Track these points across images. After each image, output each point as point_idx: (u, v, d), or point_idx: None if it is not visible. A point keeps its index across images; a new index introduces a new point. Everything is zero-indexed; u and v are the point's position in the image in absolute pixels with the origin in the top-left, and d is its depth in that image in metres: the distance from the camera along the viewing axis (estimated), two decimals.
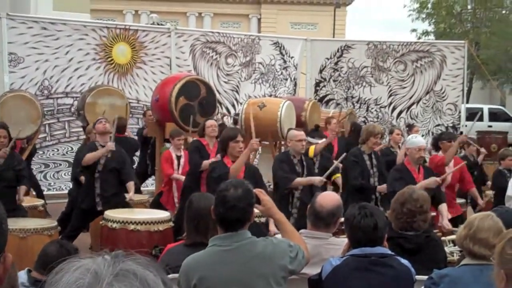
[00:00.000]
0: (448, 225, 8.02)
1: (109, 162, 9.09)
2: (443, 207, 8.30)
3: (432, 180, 8.19)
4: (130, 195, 9.01)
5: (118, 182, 9.20)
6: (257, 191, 4.34)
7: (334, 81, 17.55)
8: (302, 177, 8.37)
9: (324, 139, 10.16)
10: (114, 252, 1.35)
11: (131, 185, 9.12)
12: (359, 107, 17.43)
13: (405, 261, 4.28)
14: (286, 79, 17.14)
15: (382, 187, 8.93)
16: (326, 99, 17.47)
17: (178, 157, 10.33)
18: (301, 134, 8.59)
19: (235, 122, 12.92)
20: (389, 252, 4.29)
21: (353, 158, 9.32)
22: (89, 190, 9.11)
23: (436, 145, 10.44)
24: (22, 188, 8.62)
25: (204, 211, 4.47)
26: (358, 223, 4.21)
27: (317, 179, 8.31)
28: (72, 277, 1.28)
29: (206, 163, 8.93)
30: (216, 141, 9.50)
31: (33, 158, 12.50)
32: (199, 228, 4.60)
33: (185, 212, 4.85)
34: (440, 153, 9.99)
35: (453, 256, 6.09)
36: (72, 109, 13.74)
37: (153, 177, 12.48)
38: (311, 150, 9.93)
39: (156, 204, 10.26)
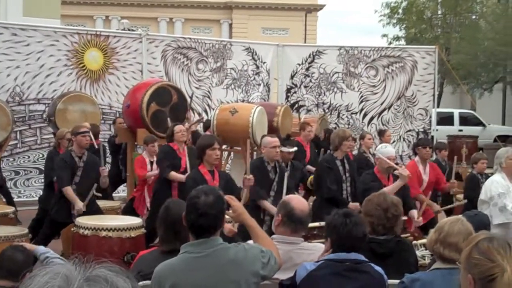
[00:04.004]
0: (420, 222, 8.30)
1: (85, 176, 9.01)
2: (413, 213, 8.36)
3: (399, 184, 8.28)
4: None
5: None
6: (228, 197, 4.34)
7: (305, 87, 17.54)
8: (276, 183, 8.42)
9: (295, 148, 10.08)
10: (86, 259, 1.37)
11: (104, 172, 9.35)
12: (330, 114, 17.40)
13: (378, 268, 4.29)
14: (259, 85, 17.14)
15: (355, 205, 8.36)
16: (297, 105, 17.45)
17: (151, 163, 10.28)
18: (275, 140, 8.58)
19: (206, 127, 12.82)
20: (363, 258, 4.30)
21: (326, 164, 9.33)
22: (64, 203, 8.94)
23: (414, 150, 10.44)
24: None
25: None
26: (349, 232, 4.22)
27: None
28: (42, 280, 1.30)
29: (173, 174, 9.09)
30: (186, 145, 9.50)
31: (3, 166, 12.38)
32: (179, 235, 4.50)
33: (161, 218, 4.72)
34: (417, 158, 10.03)
35: (424, 259, 6.13)
36: (44, 116, 13.64)
37: (124, 183, 12.40)
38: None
39: (128, 210, 10.20)
